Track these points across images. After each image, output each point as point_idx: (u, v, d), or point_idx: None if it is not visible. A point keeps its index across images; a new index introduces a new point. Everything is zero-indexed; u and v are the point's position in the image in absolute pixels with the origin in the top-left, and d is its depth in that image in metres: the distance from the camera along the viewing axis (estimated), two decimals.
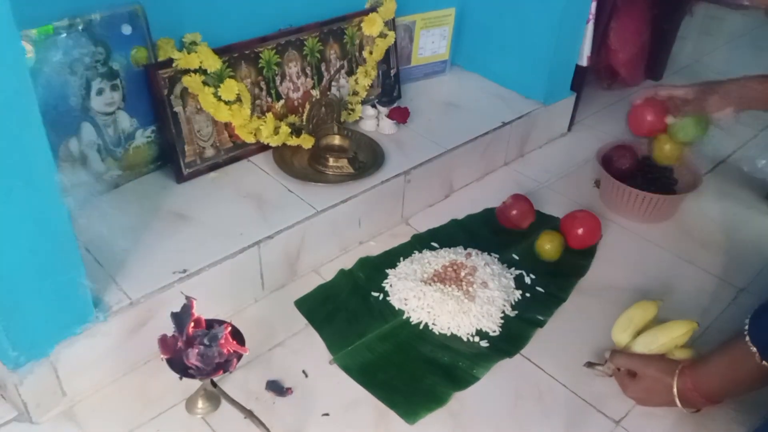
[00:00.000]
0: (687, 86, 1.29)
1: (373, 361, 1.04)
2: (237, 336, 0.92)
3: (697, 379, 0.93)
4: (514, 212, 1.31)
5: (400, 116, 1.40)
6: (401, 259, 1.23)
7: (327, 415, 0.97)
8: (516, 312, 1.15)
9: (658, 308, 1.09)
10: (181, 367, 0.86)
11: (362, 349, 1.05)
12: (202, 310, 0.89)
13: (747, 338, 0.86)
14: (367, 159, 1.31)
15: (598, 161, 1.43)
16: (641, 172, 1.41)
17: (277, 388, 0.99)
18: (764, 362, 0.85)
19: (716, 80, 1.26)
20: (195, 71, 1.14)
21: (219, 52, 1.16)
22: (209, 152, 1.22)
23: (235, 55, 1.21)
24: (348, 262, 1.23)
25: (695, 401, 0.94)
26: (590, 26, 1.51)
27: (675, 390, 0.94)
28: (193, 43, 1.15)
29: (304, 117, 1.31)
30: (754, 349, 0.86)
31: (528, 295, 1.19)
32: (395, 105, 1.41)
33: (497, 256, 1.25)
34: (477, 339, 1.09)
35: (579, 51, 1.55)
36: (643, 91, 1.33)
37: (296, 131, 1.29)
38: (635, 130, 1.36)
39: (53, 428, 0.92)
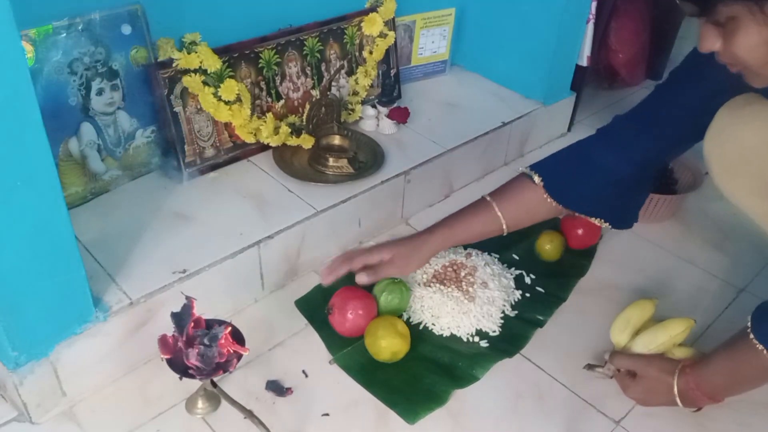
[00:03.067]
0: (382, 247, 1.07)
1: (373, 361, 1.04)
2: (237, 336, 0.91)
3: (700, 379, 0.93)
4: None
5: (400, 116, 1.40)
6: None
7: (327, 415, 0.97)
8: (516, 312, 1.15)
9: (654, 306, 1.09)
10: (181, 367, 0.86)
11: (362, 349, 1.05)
12: (202, 310, 0.89)
13: (752, 337, 0.86)
14: (367, 159, 1.31)
15: None
16: None
17: (277, 388, 0.99)
18: None
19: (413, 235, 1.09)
20: (195, 71, 1.14)
21: (219, 52, 1.16)
22: (209, 152, 1.22)
23: (235, 55, 1.21)
24: None
25: (697, 400, 0.94)
26: (590, 26, 1.51)
27: (676, 389, 0.94)
28: (193, 43, 1.15)
29: (304, 117, 1.31)
30: (760, 347, 0.85)
31: (528, 295, 1.19)
32: (395, 105, 1.41)
33: (497, 256, 1.25)
34: (477, 339, 1.09)
35: (579, 51, 1.55)
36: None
37: (296, 131, 1.29)
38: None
39: (53, 428, 0.92)
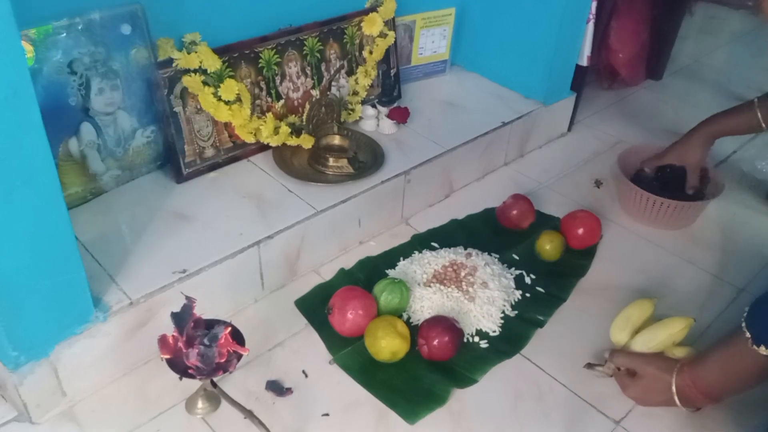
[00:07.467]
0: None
1: (373, 361, 1.04)
2: (237, 336, 0.91)
3: (695, 375, 0.92)
4: (514, 212, 1.31)
5: (400, 116, 1.40)
6: (401, 259, 1.23)
7: (327, 415, 0.97)
8: (516, 312, 1.15)
9: (654, 306, 1.09)
10: (181, 368, 0.86)
11: (362, 349, 1.05)
12: (202, 310, 0.89)
13: (743, 324, 0.86)
14: (367, 159, 1.31)
15: (619, 165, 1.41)
16: (659, 178, 1.38)
17: (277, 388, 0.99)
18: (754, 347, 0.84)
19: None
20: (195, 71, 1.13)
21: (219, 52, 1.16)
22: (209, 152, 1.22)
23: (235, 55, 1.21)
24: (348, 262, 1.23)
25: (694, 399, 0.93)
26: (590, 26, 1.51)
27: (674, 387, 0.93)
28: (193, 42, 1.15)
29: (304, 117, 1.31)
30: (748, 335, 0.85)
31: (528, 295, 1.19)
32: (395, 105, 1.41)
33: (497, 256, 1.25)
34: (477, 339, 1.09)
35: (579, 51, 1.56)
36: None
37: (296, 131, 1.29)
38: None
39: (53, 428, 0.92)
